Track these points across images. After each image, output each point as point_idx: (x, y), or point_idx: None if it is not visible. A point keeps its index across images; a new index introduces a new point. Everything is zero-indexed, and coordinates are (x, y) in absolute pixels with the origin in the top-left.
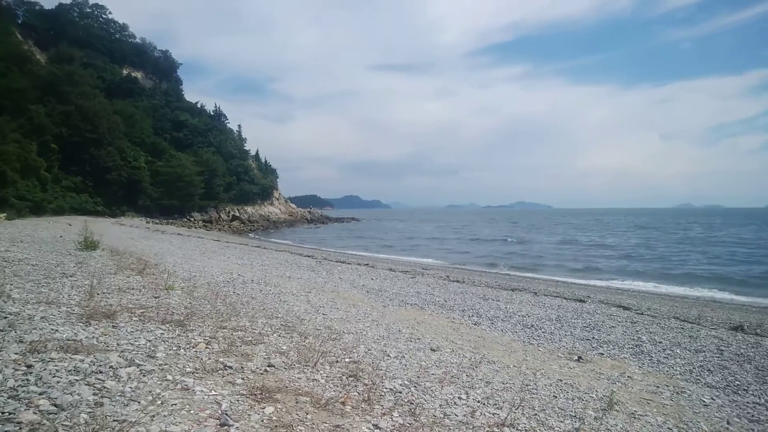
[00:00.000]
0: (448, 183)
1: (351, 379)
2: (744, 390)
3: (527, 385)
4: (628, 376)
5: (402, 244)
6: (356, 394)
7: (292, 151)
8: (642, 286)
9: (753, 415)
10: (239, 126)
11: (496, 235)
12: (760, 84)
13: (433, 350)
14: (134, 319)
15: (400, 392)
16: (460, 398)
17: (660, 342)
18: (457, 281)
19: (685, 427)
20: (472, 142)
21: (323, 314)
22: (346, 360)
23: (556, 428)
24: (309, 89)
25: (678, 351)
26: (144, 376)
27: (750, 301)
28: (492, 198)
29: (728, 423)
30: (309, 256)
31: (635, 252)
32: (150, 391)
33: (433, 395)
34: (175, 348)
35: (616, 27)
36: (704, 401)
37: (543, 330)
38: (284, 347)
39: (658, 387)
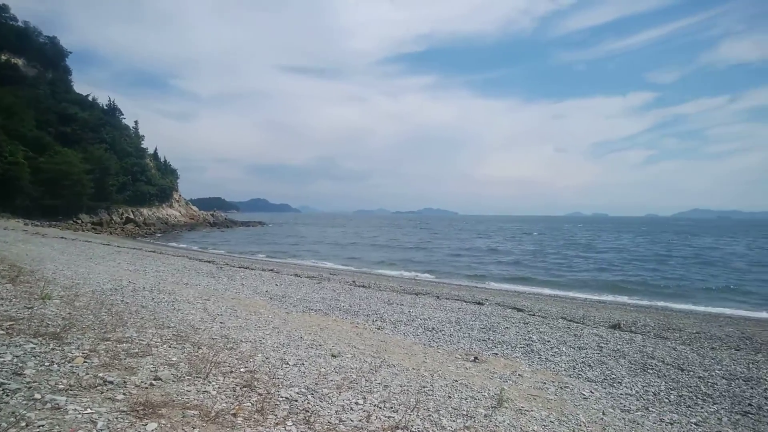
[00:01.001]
0: (357, 188)
1: (245, 389)
2: (618, 383)
3: (424, 387)
4: (519, 374)
5: (309, 248)
6: (249, 404)
7: (195, 151)
8: (536, 288)
9: (625, 406)
10: (136, 122)
11: (404, 240)
12: (641, 105)
13: (334, 356)
14: (0, 332)
15: (296, 400)
16: (357, 403)
17: (548, 341)
18: (364, 286)
19: (565, 419)
20: (382, 149)
21: (221, 323)
22: (242, 370)
23: (448, 427)
24: (215, 87)
25: (564, 349)
26: (6, 396)
27: (629, 301)
28: (401, 204)
29: (603, 414)
30: (209, 262)
31: (530, 256)
32: (12, 413)
33: (330, 402)
34: (47, 363)
35: (519, 46)
36: (584, 394)
37: (443, 332)
38: (174, 359)
39: (544, 383)
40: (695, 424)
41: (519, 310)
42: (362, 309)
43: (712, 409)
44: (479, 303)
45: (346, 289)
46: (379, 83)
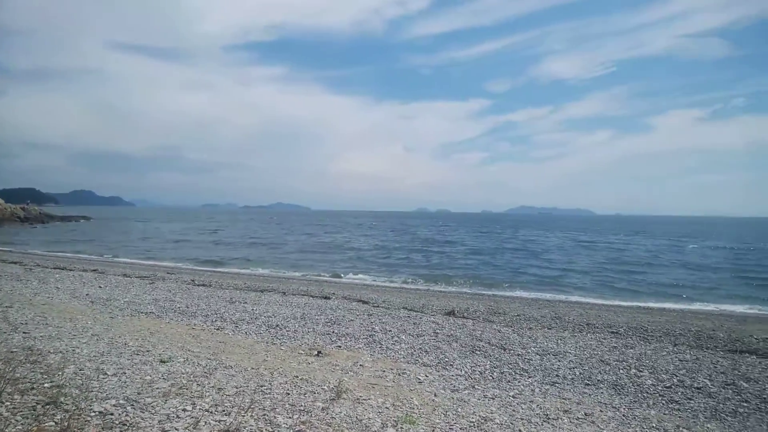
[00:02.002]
0: (204, 181)
1: (48, 407)
2: (450, 365)
3: (262, 386)
4: (361, 365)
5: (143, 245)
6: (52, 424)
7: (2, 135)
8: (383, 281)
9: (454, 386)
10: None
11: (252, 234)
12: (479, 110)
13: (164, 362)
14: None
15: (112, 414)
16: (184, 410)
17: (390, 330)
18: (204, 285)
19: (400, 404)
20: (231, 140)
21: (24, 333)
22: (46, 385)
23: (283, 425)
24: (31, 60)
25: (403, 337)
26: None
27: (465, 290)
28: (251, 198)
29: (435, 395)
30: (16, 263)
31: (377, 250)
32: None
33: (152, 411)
34: None
35: (371, 45)
36: (419, 379)
37: (287, 329)
38: None
39: (384, 371)
40: (512, 396)
41: (364, 302)
42: (201, 309)
43: (527, 382)
44: (326, 297)
45: (183, 288)
46: (228, 70)
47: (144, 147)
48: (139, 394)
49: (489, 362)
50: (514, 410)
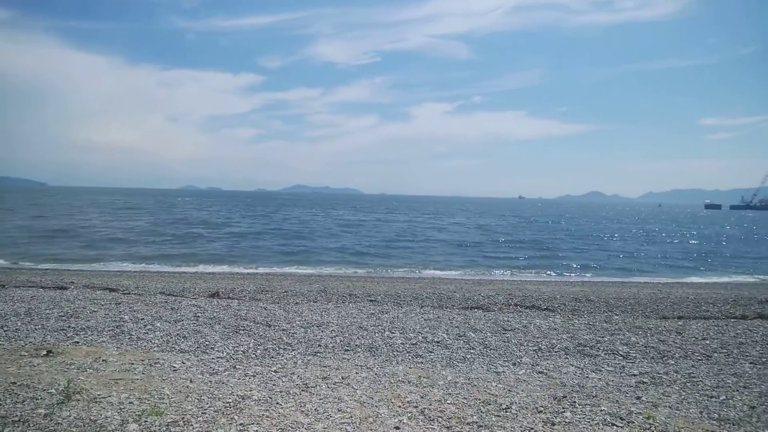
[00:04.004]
0: None
1: None
2: (211, 348)
3: None
4: (103, 360)
5: None
6: None
7: None
8: (141, 266)
9: (214, 369)
10: None
11: None
12: (251, 85)
13: None
14: None
15: None
16: None
17: (142, 319)
18: None
19: (148, 396)
20: None
21: None
22: None
23: None
24: None
25: (159, 324)
26: None
27: (235, 270)
28: None
29: (191, 381)
30: None
31: (137, 232)
32: None
33: None
34: None
35: None
36: (174, 367)
37: (5, 328)
38: None
39: (132, 364)
40: (274, 371)
41: (112, 290)
42: None
43: (290, 356)
44: (62, 288)
45: None
46: None
47: None
48: None
49: (253, 340)
50: (274, 384)
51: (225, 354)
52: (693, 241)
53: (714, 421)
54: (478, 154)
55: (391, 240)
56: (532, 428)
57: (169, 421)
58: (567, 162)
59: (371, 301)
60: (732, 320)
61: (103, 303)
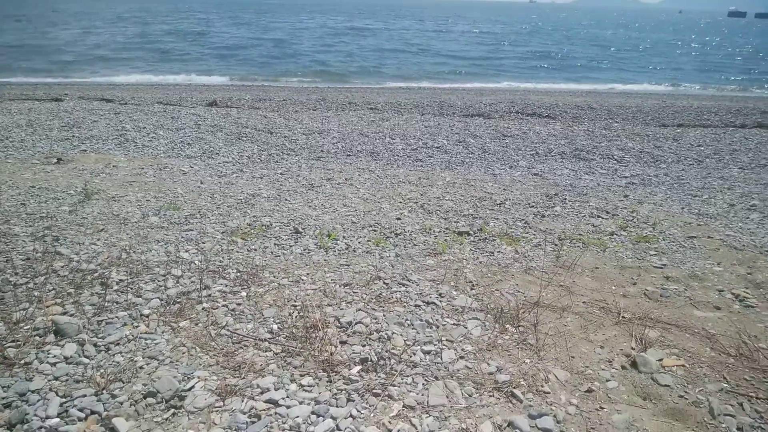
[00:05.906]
0: None
1: None
2: (216, 154)
3: None
4: (114, 166)
5: None
6: None
7: None
8: (121, 78)
9: (222, 172)
10: None
11: None
12: None
13: None
14: None
15: None
16: None
17: (144, 127)
18: None
19: (162, 195)
20: None
21: None
22: None
23: (21, 234)
24: None
25: (161, 132)
26: None
27: (229, 83)
28: None
29: (201, 182)
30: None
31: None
32: None
33: None
34: None
35: None
36: (183, 170)
37: (10, 139)
38: None
39: (142, 168)
40: (280, 173)
41: (108, 101)
42: None
43: (294, 160)
44: (56, 99)
45: None
46: None
47: None
48: None
49: (256, 147)
50: (281, 185)
51: (231, 159)
52: (708, 50)
53: (693, 216)
54: None
55: (387, 50)
56: (522, 219)
57: (186, 214)
58: None
59: (371, 109)
60: (731, 129)
61: (101, 113)
